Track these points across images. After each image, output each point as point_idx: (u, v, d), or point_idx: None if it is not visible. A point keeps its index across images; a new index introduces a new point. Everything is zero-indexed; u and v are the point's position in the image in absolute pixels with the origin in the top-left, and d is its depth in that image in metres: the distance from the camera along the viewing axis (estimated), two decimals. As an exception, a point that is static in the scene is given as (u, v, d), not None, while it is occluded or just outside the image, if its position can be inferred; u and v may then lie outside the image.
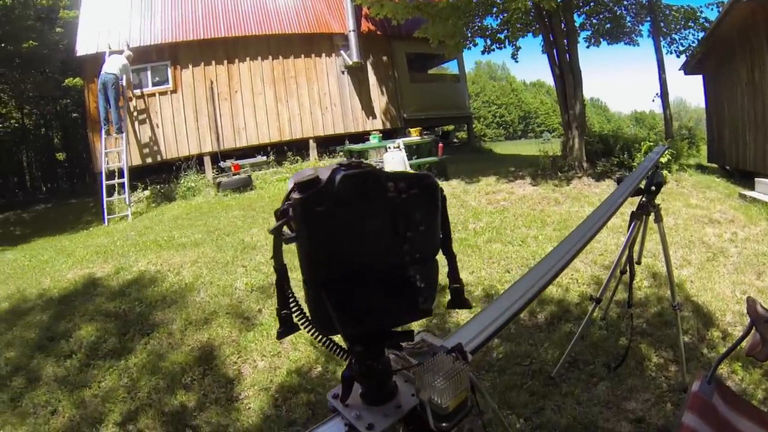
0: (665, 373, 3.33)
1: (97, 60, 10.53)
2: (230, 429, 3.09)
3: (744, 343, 1.71)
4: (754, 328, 1.66)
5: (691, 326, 3.84)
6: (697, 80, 11.58)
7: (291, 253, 0.72)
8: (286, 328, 0.76)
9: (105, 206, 9.55)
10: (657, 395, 3.09)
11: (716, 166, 10.63)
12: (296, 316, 0.76)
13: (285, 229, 0.70)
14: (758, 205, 6.88)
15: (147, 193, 10.98)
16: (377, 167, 0.70)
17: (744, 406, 1.76)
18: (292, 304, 0.75)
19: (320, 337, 0.78)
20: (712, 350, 3.56)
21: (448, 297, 0.85)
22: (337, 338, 0.80)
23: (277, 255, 0.72)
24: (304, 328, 0.76)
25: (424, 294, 0.75)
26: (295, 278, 0.73)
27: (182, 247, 6.14)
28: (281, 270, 0.73)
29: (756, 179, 7.65)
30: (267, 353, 3.81)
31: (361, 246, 0.69)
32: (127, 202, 9.69)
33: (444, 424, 0.75)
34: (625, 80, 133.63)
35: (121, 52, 10.45)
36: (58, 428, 3.15)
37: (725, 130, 10.06)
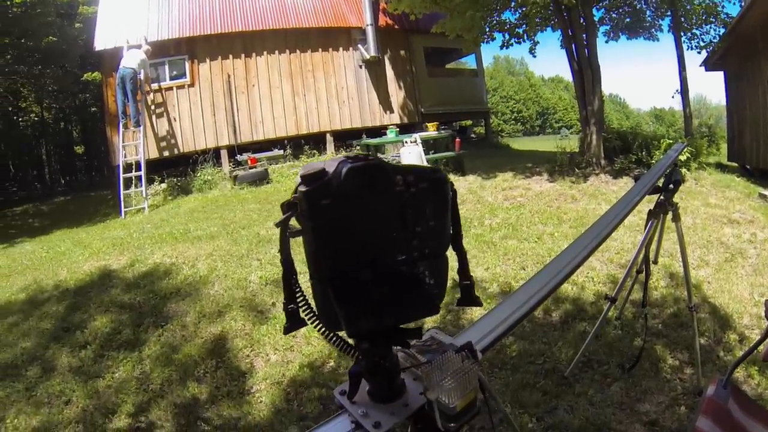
0: (680, 375, 3.28)
1: (115, 55, 10.62)
2: (241, 422, 3.10)
3: (761, 347, 1.67)
4: (771, 332, 1.61)
5: (707, 328, 3.77)
6: (718, 77, 11.40)
7: (300, 246, 0.71)
8: (293, 323, 0.75)
9: (122, 199, 9.64)
10: (671, 398, 3.04)
11: (736, 165, 10.45)
12: (303, 311, 0.74)
13: (293, 221, 0.68)
14: (778, 206, 6.75)
15: (164, 186, 11.07)
16: (388, 161, 0.68)
17: (760, 411, 1.71)
18: (299, 299, 0.74)
19: (327, 332, 0.76)
20: (729, 353, 3.50)
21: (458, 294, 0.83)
22: (345, 334, 0.78)
23: (284, 248, 0.70)
24: (311, 323, 0.75)
25: (433, 290, 0.74)
26: (305, 272, 0.71)
27: (197, 240, 6.18)
28: (288, 264, 0.72)
29: (777, 179, 7.50)
30: (280, 347, 3.82)
31: (368, 240, 0.68)
32: (144, 195, 9.78)
33: (452, 424, 0.73)
34: (645, 76, 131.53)
35: (139, 47, 10.53)
36: (72, 418, 3.19)
37: (746, 128, 9.88)
